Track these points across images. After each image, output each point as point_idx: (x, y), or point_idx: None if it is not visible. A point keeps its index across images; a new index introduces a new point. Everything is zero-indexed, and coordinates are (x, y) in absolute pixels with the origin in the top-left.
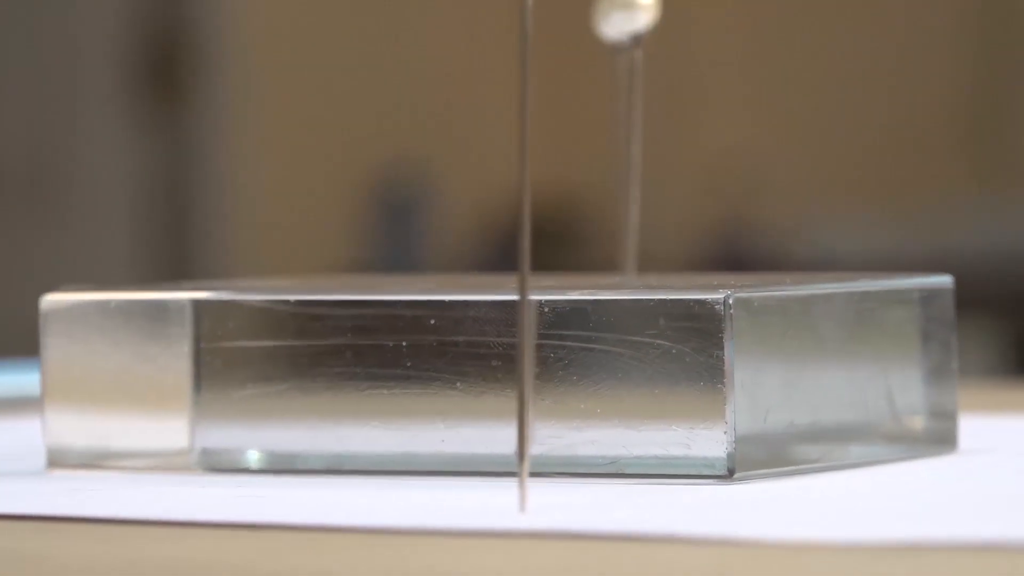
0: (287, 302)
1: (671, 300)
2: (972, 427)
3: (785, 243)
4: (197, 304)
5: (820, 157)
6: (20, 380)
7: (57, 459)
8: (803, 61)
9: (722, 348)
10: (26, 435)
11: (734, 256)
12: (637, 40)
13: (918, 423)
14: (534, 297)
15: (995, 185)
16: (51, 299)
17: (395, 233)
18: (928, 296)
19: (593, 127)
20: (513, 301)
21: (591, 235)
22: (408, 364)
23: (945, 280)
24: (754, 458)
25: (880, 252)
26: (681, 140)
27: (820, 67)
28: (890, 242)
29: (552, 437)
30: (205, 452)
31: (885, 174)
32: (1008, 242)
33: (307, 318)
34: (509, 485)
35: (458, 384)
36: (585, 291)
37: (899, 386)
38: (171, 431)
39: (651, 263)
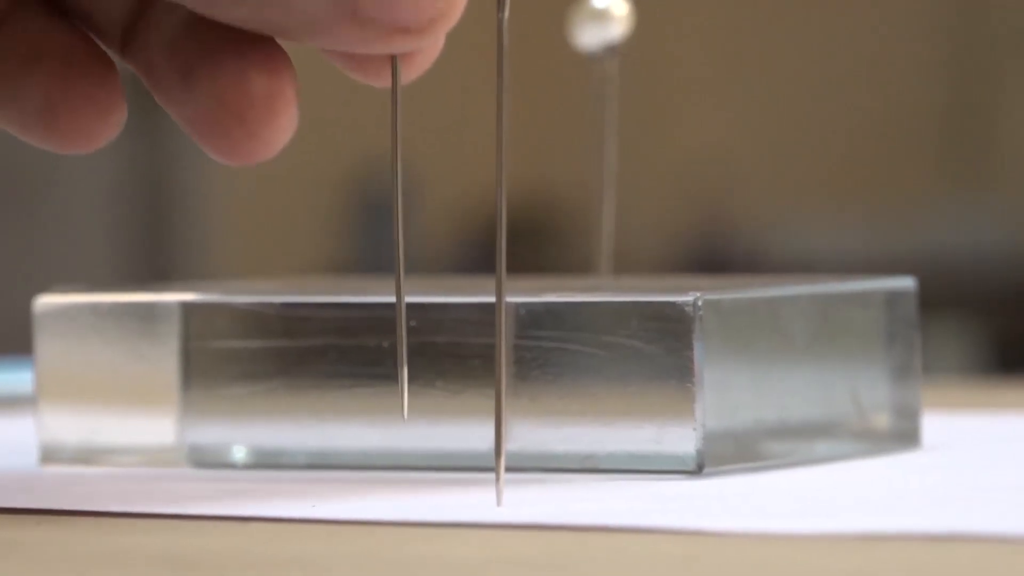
0: (273, 304)
1: (643, 302)
2: (937, 425)
3: (760, 243)
4: (186, 306)
5: (796, 158)
6: (4, 379)
7: (50, 455)
8: (779, 63)
9: (692, 348)
10: (17, 433)
11: (710, 257)
12: (611, 51)
13: (882, 421)
14: (511, 299)
15: (969, 187)
16: (44, 301)
17: (373, 233)
18: (892, 298)
19: (570, 128)
20: (491, 303)
21: (568, 236)
22: (390, 364)
23: (908, 282)
24: (722, 454)
25: (855, 252)
26: (657, 141)
27: (796, 69)
28: (865, 242)
29: (528, 434)
30: (193, 448)
31: (860, 175)
32: (979, 243)
33: (292, 319)
34: (487, 480)
35: (437, 383)
36: (560, 294)
37: (864, 385)
38: (160, 428)
39: (627, 264)
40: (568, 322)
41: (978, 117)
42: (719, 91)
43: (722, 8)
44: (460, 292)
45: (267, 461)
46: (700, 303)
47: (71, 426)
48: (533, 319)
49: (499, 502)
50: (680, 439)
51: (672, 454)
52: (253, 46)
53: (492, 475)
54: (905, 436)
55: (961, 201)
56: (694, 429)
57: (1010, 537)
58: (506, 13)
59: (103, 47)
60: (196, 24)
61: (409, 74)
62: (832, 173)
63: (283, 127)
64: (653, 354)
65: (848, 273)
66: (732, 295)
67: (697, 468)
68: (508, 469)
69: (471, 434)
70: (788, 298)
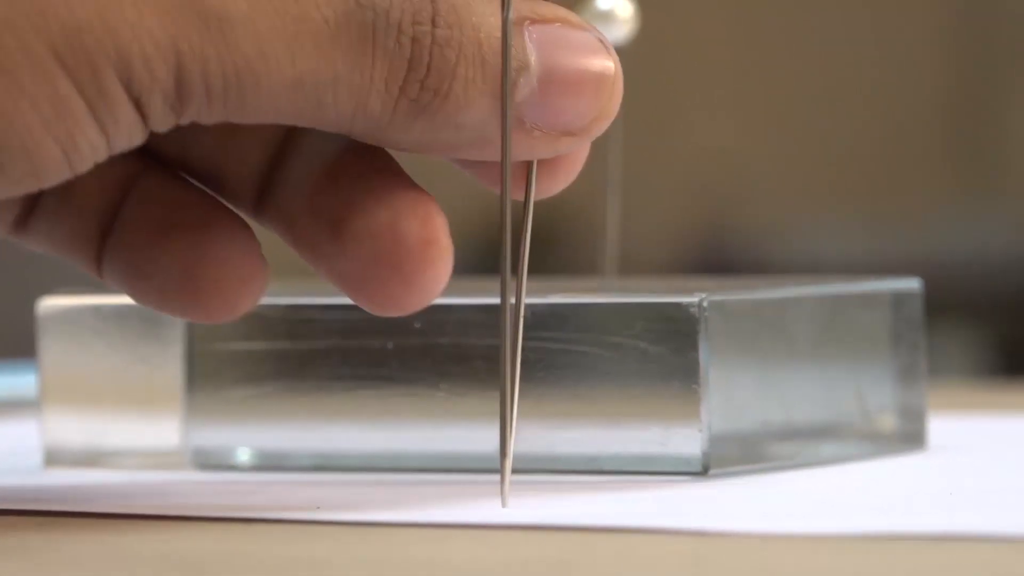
0: (277, 306)
1: (648, 303)
2: (943, 427)
3: (767, 247)
4: None
5: (802, 162)
6: (8, 382)
7: (54, 458)
8: (787, 67)
9: (697, 350)
10: (21, 436)
11: (717, 260)
12: (618, 49)
13: (888, 423)
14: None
15: (976, 191)
16: (48, 303)
17: None
18: (898, 299)
19: None
20: (495, 305)
21: (573, 239)
22: (394, 366)
23: (914, 284)
24: (728, 456)
25: (861, 256)
26: (663, 145)
27: (803, 73)
28: (871, 246)
29: (533, 436)
30: (197, 451)
31: (867, 179)
32: (986, 247)
33: (296, 321)
34: (492, 481)
35: (442, 385)
36: (566, 295)
37: (869, 386)
38: (164, 430)
39: (633, 267)
40: (573, 323)
41: (985, 122)
42: (725, 95)
43: (727, 12)
44: (464, 293)
45: (271, 463)
46: (706, 304)
47: (75, 429)
48: (538, 320)
49: (504, 503)
50: (686, 441)
51: (678, 456)
52: (399, 192)
53: (497, 477)
54: (911, 438)
55: (968, 205)
56: (700, 431)
57: (1016, 538)
58: (510, 13)
59: (235, 209)
60: (336, 174)
61: (556, 184)
62: (838, 177)
63: (440, 274)
64: (658, 355)
65: (850, 274)
66: (737, 296)
67: (703, 470)
68: (513, 471)
69: (476, 436)
70: (794, 299)
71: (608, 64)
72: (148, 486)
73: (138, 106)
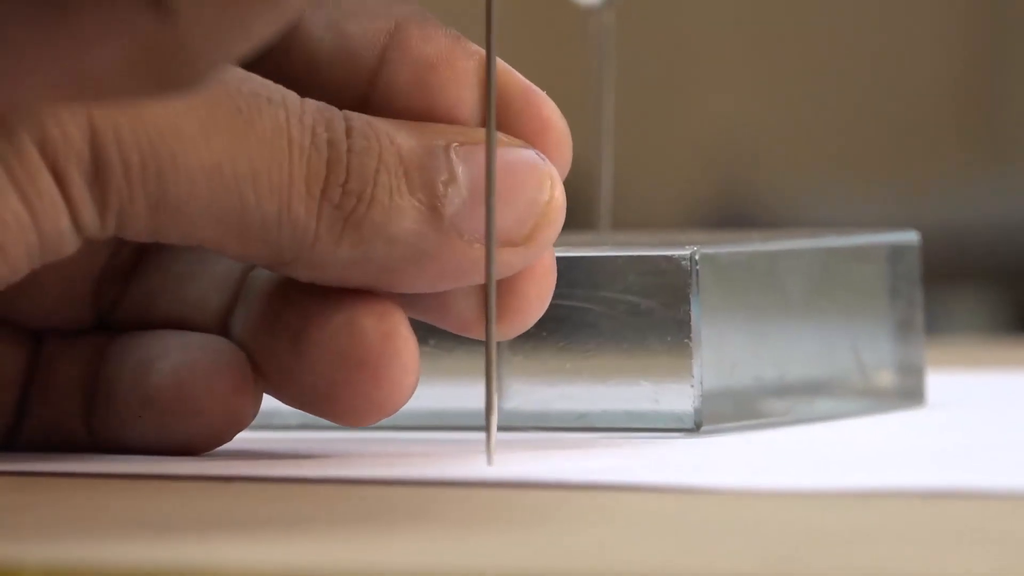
0: None
1: (639, 256)
2: (943, 383)
3: (780, 212)
4: None
5: (816, 127)
6: None
7: None
8: (799, 32)
9: (689, 303)
10: None
11: (729, 225)
12: (610, 2)
13: (885, 378)
14: None
15: (987, 157)
16: None
17: None
18: (895, 252)
19: (567, 85)
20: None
21: (574, 202)
22: None
23: (911, 236)
24: (721, 412)
25: (874, 220)
26: (677, 110)
27: (815, 38)
28: (884, 210)
29: (522, 392)
30: None
31: (880, 144)
32: (996, 211)
33: None
34: (479, 439)
35: (431, 340)
36: (556, 248)
37: (866, 341)
38: None
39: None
40: (563, 277)
41: (995, 86)
42: (737, 62)
43: None
44: None
45: (259, 422)
46: (697, 256)
47: None
48: None
49: (490, 461)
50: (678, 397)
51: (670, 412)
52: (354, 294)
53: (484, 434)
54: (909, 394)
55: (978, 169)
56: (692, 386)
57: (1011, 493)
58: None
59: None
60: (289, 294)
61: (516, 325)
62: (850, 142)
63: (405, 367)
64: (650, 309)
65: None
66: (730, 249)
67: (695, 426)
68: (502, 428)
69: (465, 393)
70: (788, 252)
71: (541, 164)
72: None
73: (57, 178)
